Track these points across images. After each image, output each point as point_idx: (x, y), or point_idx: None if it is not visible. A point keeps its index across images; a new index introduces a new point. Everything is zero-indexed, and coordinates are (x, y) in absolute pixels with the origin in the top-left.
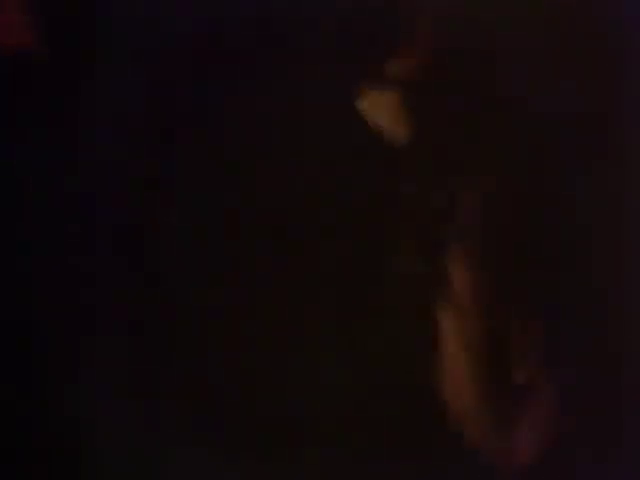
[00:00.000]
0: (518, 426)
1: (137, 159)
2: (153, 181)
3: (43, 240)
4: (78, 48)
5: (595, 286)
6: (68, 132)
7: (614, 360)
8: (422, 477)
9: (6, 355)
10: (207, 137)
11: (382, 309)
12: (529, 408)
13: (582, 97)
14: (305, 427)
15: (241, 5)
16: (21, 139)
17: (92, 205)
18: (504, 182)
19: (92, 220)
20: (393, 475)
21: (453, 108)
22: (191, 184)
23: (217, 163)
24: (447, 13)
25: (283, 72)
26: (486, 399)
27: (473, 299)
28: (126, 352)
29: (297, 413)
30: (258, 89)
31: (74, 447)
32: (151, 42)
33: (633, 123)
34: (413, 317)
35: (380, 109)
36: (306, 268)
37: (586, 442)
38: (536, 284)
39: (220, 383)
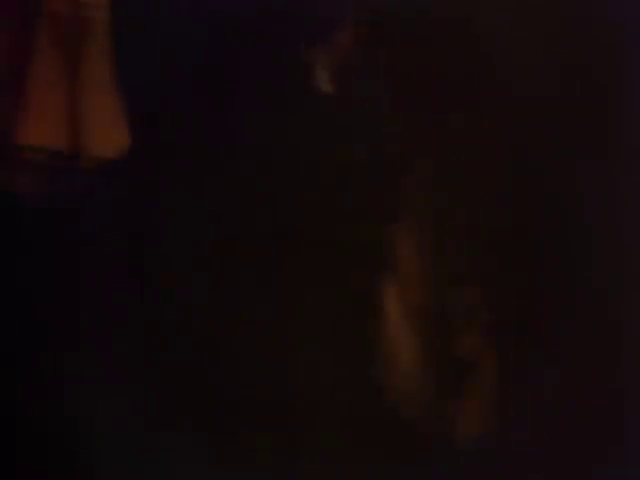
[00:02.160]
0: (459, 399)
1: (137, 160)
2: (153, 183)
3: (43, 240)
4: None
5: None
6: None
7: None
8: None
9: (6, 355)
10: (208, 138)
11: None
12: (470, 381)
13: (580, 88)
14: (305, 426)
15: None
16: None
17: (92, 206)
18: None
19: (92, 221)
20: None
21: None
22: (191, 185)
23: (218, 164)
24: None
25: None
26: (427, 369)
27: (418, 268)
28: (126, 352)
29: (297, 412)
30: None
31: (74, 447)
32: (151, 42)
33: (633, 116)
34: (358, 286)
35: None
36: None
37: (586, 440)
38: (481, 254)
39: (220, 383)
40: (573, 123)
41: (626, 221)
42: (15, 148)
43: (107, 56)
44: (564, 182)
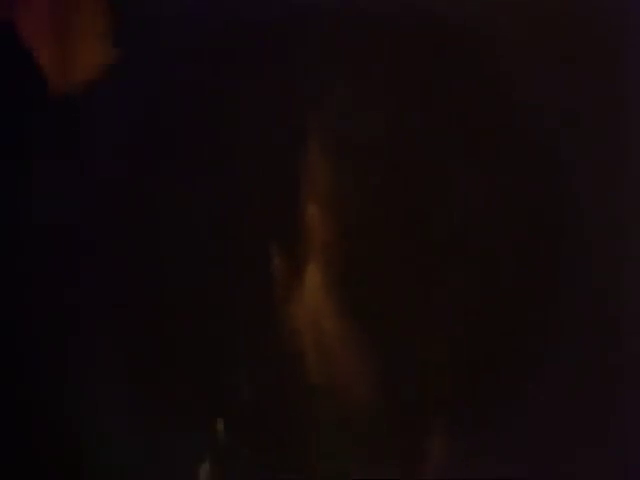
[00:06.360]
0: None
1: (136, 160)
2: (152, 182)
3: (42, 240)
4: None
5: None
6: (68, 137)
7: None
8: None
9: (6, 355)
10: (207, 139)
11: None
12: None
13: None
14: (305, 425)
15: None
16: (19, 145)
17: (91, 205)
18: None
19: (91, 221)
20: None
21: None
22: (191, 186)
23: (218, 164)
24: None
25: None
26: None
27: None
28: (126, 352)
29: (298, 412)
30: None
31: (75, 447)
32: (153, 42)
33: (634, 119)
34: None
35: None
36: None
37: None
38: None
39: (219, 383)
40: (572, 123)
41: (626, 221)
42: None
43: None
44: (564, 182)
